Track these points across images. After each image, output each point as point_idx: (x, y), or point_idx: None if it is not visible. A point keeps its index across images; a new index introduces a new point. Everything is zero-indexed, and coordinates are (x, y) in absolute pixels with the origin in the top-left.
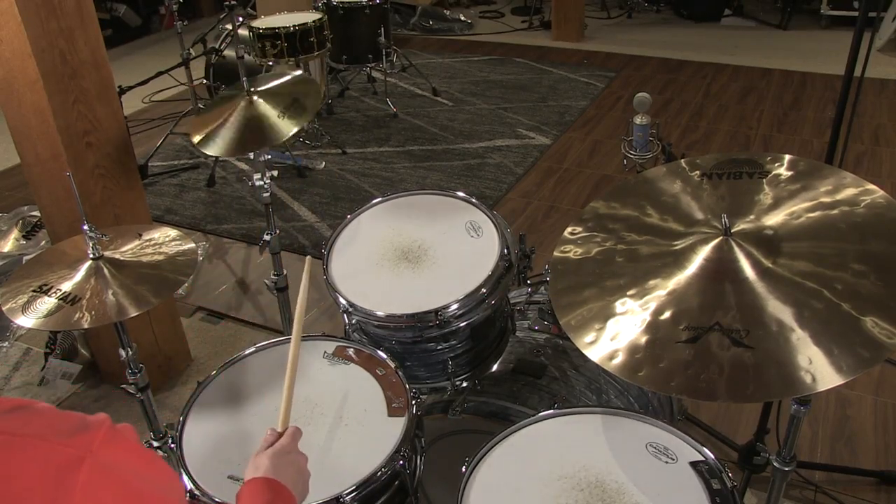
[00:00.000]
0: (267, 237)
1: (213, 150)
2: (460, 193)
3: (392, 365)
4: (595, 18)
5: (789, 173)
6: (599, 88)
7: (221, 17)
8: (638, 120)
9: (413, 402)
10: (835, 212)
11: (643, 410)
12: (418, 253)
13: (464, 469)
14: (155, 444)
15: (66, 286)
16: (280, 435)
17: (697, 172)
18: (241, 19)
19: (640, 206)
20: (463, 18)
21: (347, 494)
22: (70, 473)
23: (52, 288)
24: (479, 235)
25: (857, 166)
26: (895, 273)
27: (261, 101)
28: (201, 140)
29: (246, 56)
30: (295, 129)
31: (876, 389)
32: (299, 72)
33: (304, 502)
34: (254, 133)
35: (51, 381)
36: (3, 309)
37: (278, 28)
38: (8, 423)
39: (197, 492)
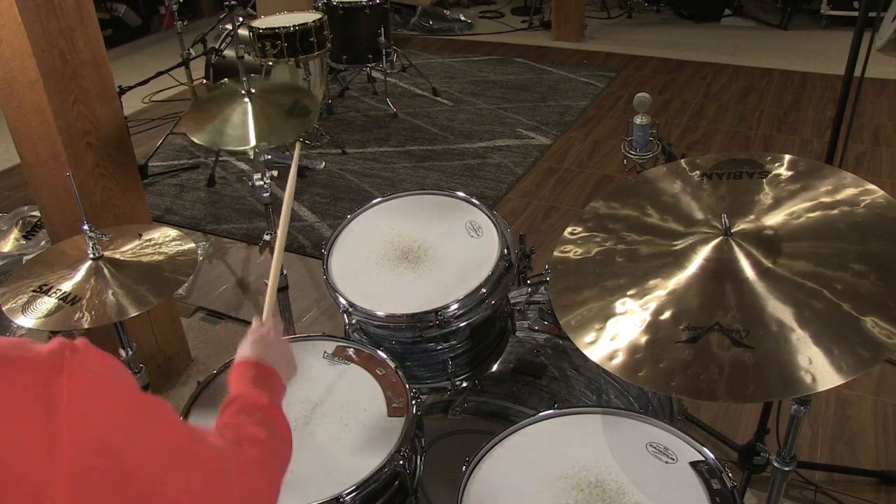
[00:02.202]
0: (267, 237)
1: (202, 139)
2: (460, 193)
3: (392, 365)
4: (595, 18)
5: (789, 173)
6: (599, 88)
7: (221, 17)
8: (638, 120)
9: (413, 402)
10: (835, 212)
11: (643, 410)
12: (418, 253)
13: (464, 469)
14: None
15: (66, 286)
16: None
17: (697, 172)
18: (241, 19)
19: (640, 206)
20: (463, 18)
21: (347, 494)
22: (54, 378)
23: (52, 288)
24: (479, 235)
25: (857, 166)
26: (895, 273)
27: (260, 103)
28: (193, 129)
29: (246, 56)
30: (294, 135)
31: (876, 389)
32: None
33: (304, 501)
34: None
35: None
36: (3, 309)
37: (278, 28)
38: None
39: None
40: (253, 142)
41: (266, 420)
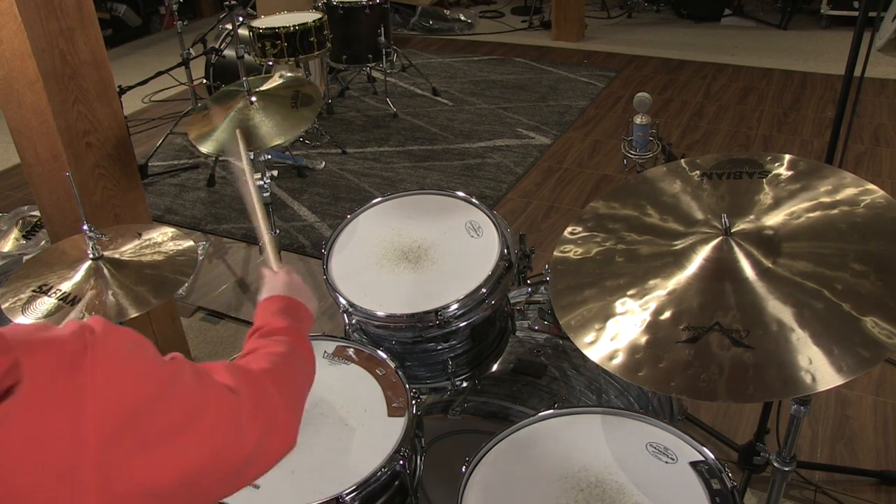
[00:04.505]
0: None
1: (208, 147)
2: (460, 193)
3: (392, 365)
4: (595, 18)
5: (789, 173)
6: (599, 88)
7: (221, 17)
8: (638, 120)
9: (413, 402)
10: (835, 212)
11: (643, 410)
12: (418, 253)
13: (464, 469)
14: None
15: (66, 286)
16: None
17: (697, 172)
18: (241, 19)
19: (640, 206)
20: (463, 18)
21: (347, 494)
22: (79, 358)
23: (51, 288)
24: (479, 235)
25: (857, 166)
26: (895, 273)
27: (261, 102)
28: (198, 137)
29: (246, 56)
30: (298, 133)
31: (876, 389)
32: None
33: (304, 501)
34: (252, 135)
35: None
36: (3, 309)
37: (278, 28)
38: (10, 332)
39: None
40: (276, 142)
41: (286, 340)
